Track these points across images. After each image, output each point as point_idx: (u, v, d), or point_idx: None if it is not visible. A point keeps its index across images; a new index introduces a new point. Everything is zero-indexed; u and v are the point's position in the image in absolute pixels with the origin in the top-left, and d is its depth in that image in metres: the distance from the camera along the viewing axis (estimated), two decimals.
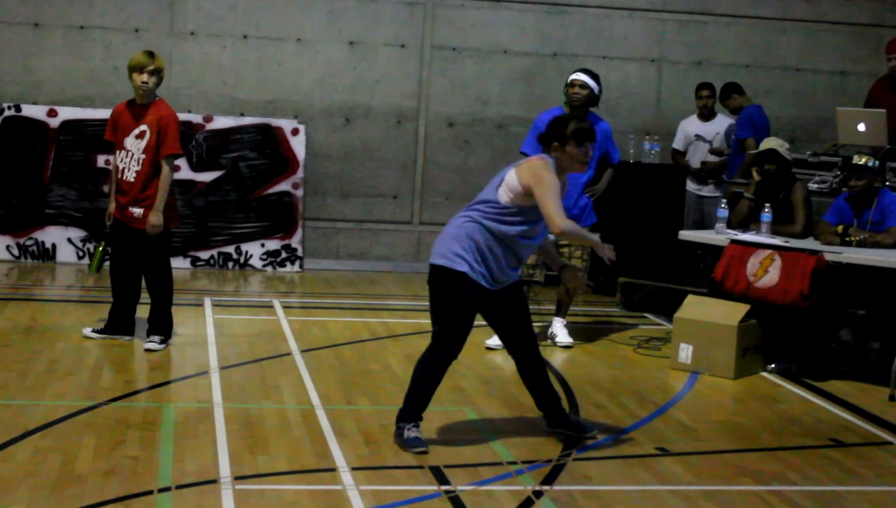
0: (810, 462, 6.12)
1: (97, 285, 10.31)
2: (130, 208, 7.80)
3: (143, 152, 7.76)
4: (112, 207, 7.92)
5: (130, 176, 7.79)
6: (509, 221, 5.88)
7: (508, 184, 5.88)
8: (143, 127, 7.80)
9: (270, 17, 11.58)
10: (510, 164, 6.03)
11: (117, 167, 7.89)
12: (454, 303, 5.98)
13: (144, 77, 7.78)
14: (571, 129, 5.91)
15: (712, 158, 11.02)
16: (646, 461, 5.99)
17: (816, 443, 6.50)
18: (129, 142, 7.82)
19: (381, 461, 5.75)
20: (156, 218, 7.72)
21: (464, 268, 5.87)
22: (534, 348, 6.21)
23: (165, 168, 7.74)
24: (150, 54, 7.89)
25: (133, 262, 7.90)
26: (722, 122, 11.11)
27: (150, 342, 7.83)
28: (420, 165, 11.95)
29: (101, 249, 8.34)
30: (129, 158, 7.81)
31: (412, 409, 6.02)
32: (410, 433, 5.95)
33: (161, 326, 7.90)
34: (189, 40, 11.38)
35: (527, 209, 5.86)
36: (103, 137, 8.10)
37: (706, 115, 11.12)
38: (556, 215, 5.75)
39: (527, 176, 5.82)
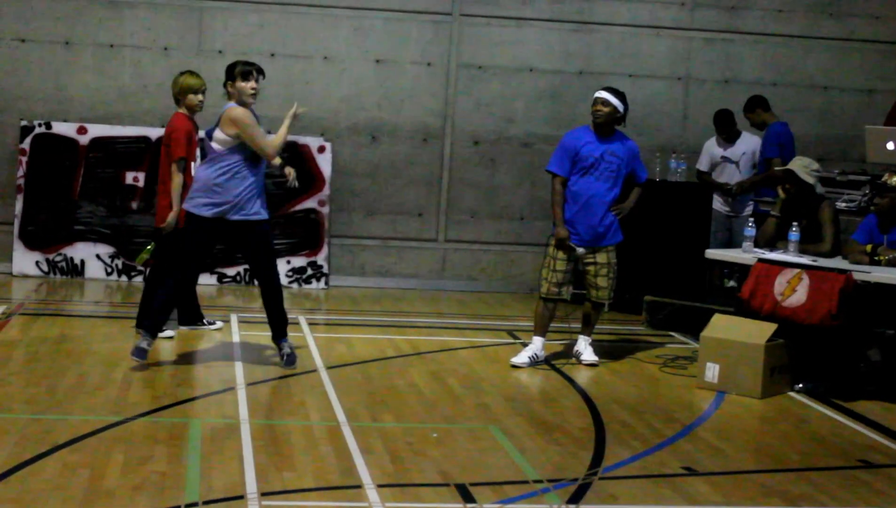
0: (839, 482, 6.07)
1: (125, 300, 10.37)
2: None
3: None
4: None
5: None
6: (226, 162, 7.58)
7: (217, 138, 7.56)
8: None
9: (297, 35, 11.65)
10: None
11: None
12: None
13: (201, 97, 8.63)
14: (238, 69, 7.53)
15: (740, 179, 10.94)
16: (673, 480, 5.97)
17: (845, 464, 6.46)
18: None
19: (407, 478, 5.75)
20: None
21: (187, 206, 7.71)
22: (270, 280, 7.83)
23: None
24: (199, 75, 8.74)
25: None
26: (748, 141, 11.04)
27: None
28: (445, 183, 11.97)
29: (150, 247, 8.72)
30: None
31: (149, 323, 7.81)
32: (142, 343, 7.67)
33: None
34: (217, 58, 11.44)
35: (234, 150, 7.55)
36: (181, 153, 8.42)
37: (730, 139, 11.05)
38: (266, 147, 7.61)
39: (229, 125, 7.50)
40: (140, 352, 7.69)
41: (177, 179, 8.35)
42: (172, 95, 8.64)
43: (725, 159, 11.03)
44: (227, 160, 7.57)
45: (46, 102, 11.36)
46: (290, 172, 8.20)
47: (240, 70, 7.55)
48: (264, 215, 7.77)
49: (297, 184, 8.35)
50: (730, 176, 10.98)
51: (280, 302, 7.96)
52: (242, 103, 7.55)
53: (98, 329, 8.97)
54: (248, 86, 7.53)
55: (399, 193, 11.90)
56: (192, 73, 8.73)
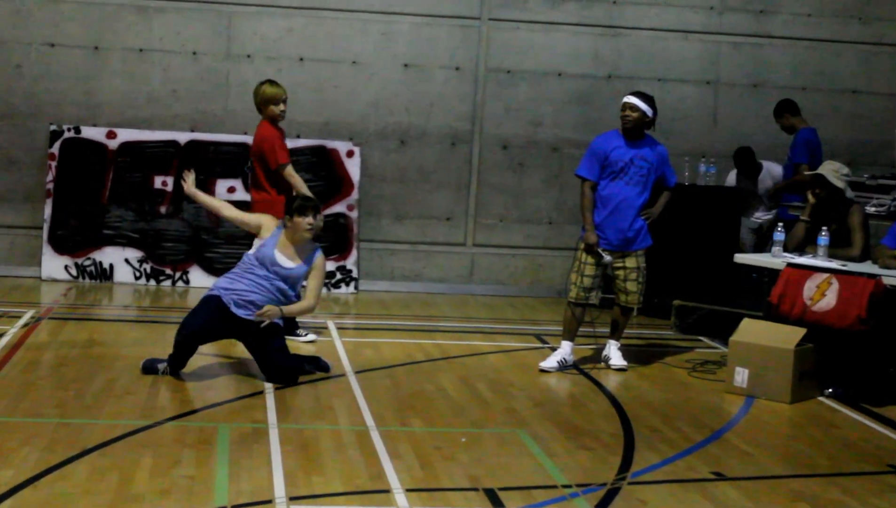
0: (868, 488, 6.03)
1: (154, 305, 10.42)
2: None
3: None
4: None
5: None
6: None
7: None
8: None
9: (326, 39, 11.68)
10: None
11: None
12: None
13: (283, 106, 8.67)
14: (295, 204, 7.59)
15: (765, 211, 11.02)
16: (702, 485, 5.95)
17: (875, 469, 6.41)
18: None
19: (436, 483, 5.75)
20: None
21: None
22: (275, 372, 7.58)
23: None
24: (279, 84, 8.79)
25: None
26: (770, 172, 11.08)
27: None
28: (474, 188, 11.97)
29: None
30: None
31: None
32: (162, 365, 7.57)
33: None
34: (245, 63, 11.50)
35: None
36: (285, 158, 8.60)
37: (751, 175, 11.12)
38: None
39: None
40: (148, 367, 7.64)
41: (296, 178, 8.59)
42: (255, 104, 8.71)
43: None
44: None
45: (76, 106, 11.43)
46: None
47: (296, 204, 7.61)
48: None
49: None
50: (755, 208, 11.05)
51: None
52: (297, 238, 7.63)
53: (127, 334, 9.02)
54: (306, 222, 7.59)
55: (427, 197, 11.91)
56: (272, 82, 8.71)
